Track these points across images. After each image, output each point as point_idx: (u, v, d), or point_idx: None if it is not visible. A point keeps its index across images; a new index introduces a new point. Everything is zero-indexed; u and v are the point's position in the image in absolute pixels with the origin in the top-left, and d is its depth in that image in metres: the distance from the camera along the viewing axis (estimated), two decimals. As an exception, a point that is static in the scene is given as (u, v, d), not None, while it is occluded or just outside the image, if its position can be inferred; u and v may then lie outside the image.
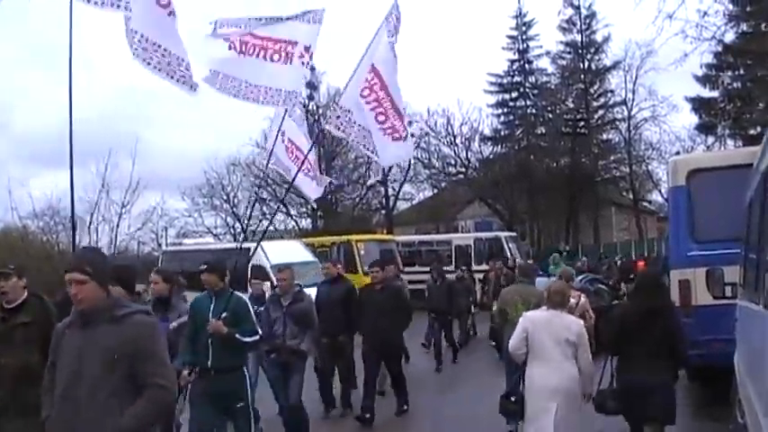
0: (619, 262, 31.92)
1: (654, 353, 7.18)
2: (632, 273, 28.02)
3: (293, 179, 10.08)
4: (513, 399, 7.92)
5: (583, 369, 7.37)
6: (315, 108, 52.06)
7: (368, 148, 8.92)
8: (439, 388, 14.41)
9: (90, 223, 30.21)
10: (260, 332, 8.15)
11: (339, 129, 8.85)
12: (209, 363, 7.71)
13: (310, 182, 11.28)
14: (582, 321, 7.91)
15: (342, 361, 12.08)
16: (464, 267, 22.41)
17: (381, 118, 8.66)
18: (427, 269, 21.80)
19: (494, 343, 18.00)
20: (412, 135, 51.36)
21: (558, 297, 7.73)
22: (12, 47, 67.17)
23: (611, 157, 53.10)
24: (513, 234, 38.75)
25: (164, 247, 34.53)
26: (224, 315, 7.70)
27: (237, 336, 7.75)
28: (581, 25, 52.25)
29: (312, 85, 52.48)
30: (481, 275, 23.93)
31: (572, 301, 9.60)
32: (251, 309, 8.14)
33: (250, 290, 12.65)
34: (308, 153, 10.20)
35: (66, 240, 31.65)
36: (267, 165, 12.63)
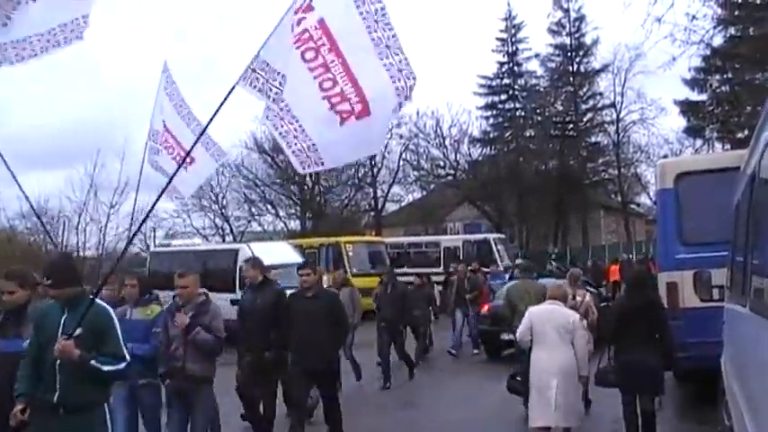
0: (590, 265, 32.36)
1: (645, 339, 8.43)
2: (603, 277, 28.37)
3: (170, 179, 7.47)
4: (518, 378, 9.46)
5: (578, 353, 8.67)
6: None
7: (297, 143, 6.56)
8: (401, 403, 13.27)
9: (78, 223, 30.00)
10: (127, 358, 5.90)
11: (262, 91, 6.29)
12: (56, 397, 5.54)
13: (186, 174, 9.19)
14: (577, 314, 9.25)
15: (265, 384, 9.42)
16: (421, 273, 20.23)
17: (328, 84, 6.38)
18: (416, 271, 21.69)
19: (476, 351, 17.91)
20: (401, 137, 52.11)
21: (558, 293, 9.26)
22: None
23: (600, 160, 53.48)
24: (502, 236, 38.84)
25: (152, 248, 34.38)
26: (78, 332, 5.55)
27: (94, 362, 5.59)
28: (570, 28, 52.61)
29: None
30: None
31: (578, 298, 11.08)
32: (116, 325, 5.90)
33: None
34: (193, 146, 7.60)
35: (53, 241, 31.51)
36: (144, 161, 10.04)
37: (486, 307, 17.22)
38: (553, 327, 8.68)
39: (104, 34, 79.83)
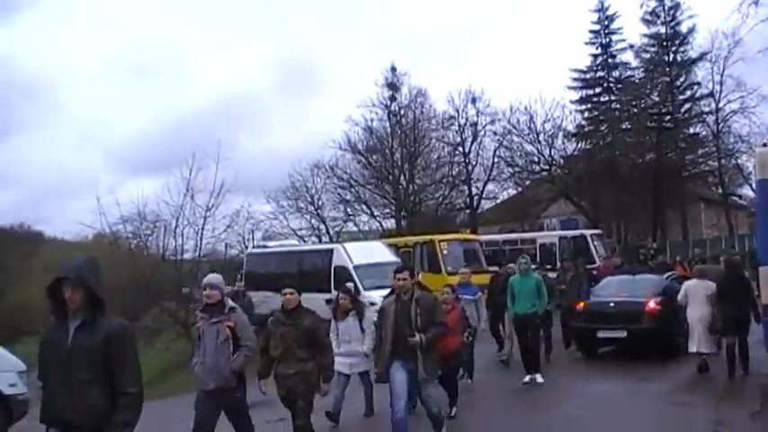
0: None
1: (736, 301, 13.02)
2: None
3: None
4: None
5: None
6: (397, 108, 52.41)
7: None
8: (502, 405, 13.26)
9: (176, 227, 30.74)
10: None
11: None
12: None
13: None
14: (713, 284, 13.74)
15: None
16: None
17: None
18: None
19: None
20: (495, 133, 51.86)
21: (699, 274, 14.47)
22: (103, 59, 69.20)
23: (699, 151, 52.37)
24: (599, 231, 38.30)
25: (247, 250, 34.98)
26: None
27: None
28: (665, 17, 51.53)
29: (394, 86, 52.81)
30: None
31: None
32: None
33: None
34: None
35: (154, 245, 32.43)
36: None
37: (581, 304, 16.32)
38: (698, 293, 13.67)
39: (200, 41, 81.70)
